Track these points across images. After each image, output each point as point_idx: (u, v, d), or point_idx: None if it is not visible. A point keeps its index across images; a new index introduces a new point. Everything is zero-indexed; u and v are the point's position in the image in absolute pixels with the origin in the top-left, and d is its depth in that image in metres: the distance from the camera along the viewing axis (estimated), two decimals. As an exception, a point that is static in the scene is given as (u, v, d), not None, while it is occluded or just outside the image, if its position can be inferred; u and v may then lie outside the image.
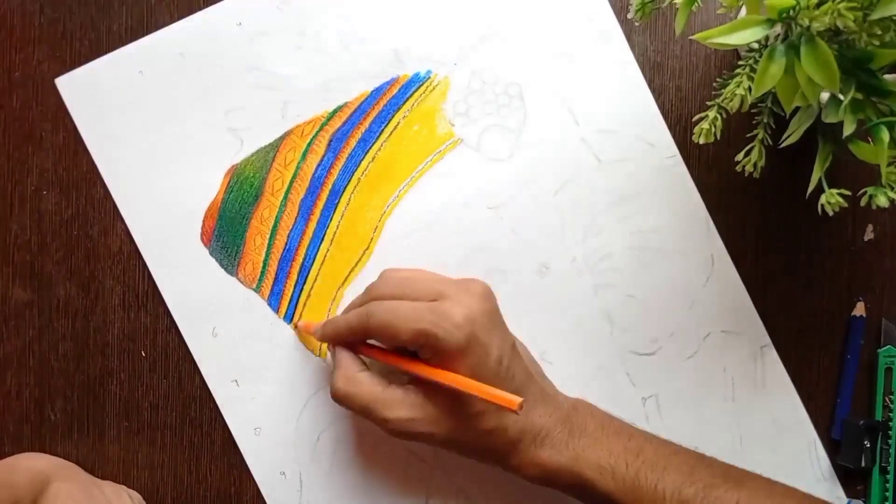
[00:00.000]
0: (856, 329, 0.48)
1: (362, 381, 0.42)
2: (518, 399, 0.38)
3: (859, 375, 0.48)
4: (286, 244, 0.49)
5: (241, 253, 0.49)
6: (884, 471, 0.48)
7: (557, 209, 0.48)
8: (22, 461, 0.47)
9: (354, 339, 0.44)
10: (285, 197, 0.49)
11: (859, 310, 0.49)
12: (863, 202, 0.36)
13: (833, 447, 0.48)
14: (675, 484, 0.40)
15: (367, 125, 0.49)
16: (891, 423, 0.48)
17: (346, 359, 0.43)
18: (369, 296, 0.43)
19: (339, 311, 0.49)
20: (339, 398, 0.42)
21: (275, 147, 0.49)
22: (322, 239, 0.49)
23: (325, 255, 0.49)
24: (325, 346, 0.48)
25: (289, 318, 0.49)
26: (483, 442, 0.41)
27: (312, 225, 0.49)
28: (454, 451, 0.43)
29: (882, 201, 0.35)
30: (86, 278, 0.49)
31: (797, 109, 0.40)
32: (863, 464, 0.47)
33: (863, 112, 0.35)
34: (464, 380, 0.40)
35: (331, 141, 0.49)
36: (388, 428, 0.41)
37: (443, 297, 0.41)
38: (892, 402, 0.48)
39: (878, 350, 0.48)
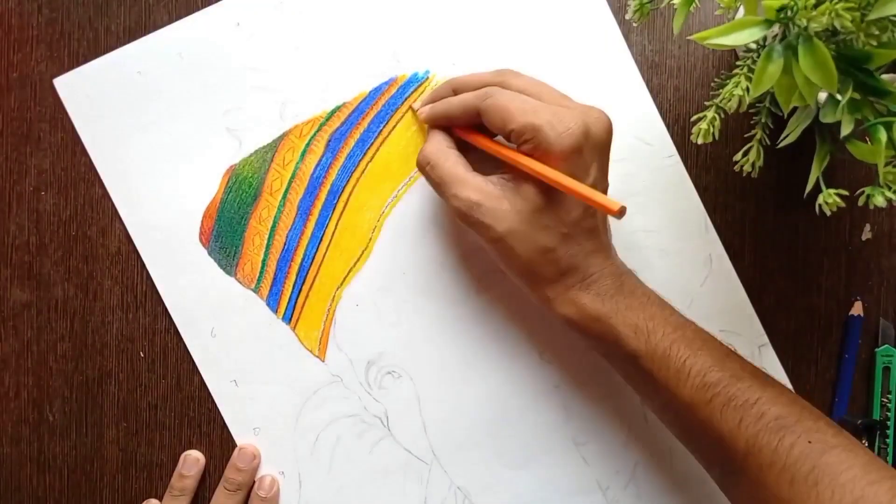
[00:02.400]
0: (853, 329, 0.48)
1: (450, 155, 0.43)
2: (620, 203, 0.38)
3: (857, 375, 0.49)
4: (285, 244, 0.49)
5: (239, 253, 0.49)
6: (882, 470, 0.48)
7: (556, 209, 0.49)
8: None
9: (461, 119, 0.44)
10: (284, 197, 0.49)
11: (857, 309, 0.49)
12: (860, 202, 0.36)
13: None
14: (704, 365, 0.40)
15: (365, 125, 0.49)
16: (889, 423, 0.48)
17: (441, 134, 0.44)
18: (498, 78, 0.43)
19: (339, 312, 0.49)
20: (423, 164, 0.43)
21: (273, 147, 0.49)
22: (321, 239, 0.49)
23: (324, 256, 0.49)
24: (324, 346, 0.48)
25: (287, 318, 0.49)
26: (534, 260, 0.41)
27: (311, 225, 0.49)
28: (501, 259, 0.43)
29: (880, 201, 0.35)
30: (84, 279, 0.49)
31: (795, 109, 0.40)
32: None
33: (860, 112, 0.35)
34: (569, 179, 0.39)
35: (329, 141, 0.49)
36: (454, 205, 0.42)
37: (565, 108, 0.41)
38: (889, 401, 0.48)
39: (876, 350, 0.48)
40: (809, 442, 0.37)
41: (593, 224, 0.42)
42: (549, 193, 0.41)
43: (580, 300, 0.41)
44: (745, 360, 0.41)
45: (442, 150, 0.43)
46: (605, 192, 0.42)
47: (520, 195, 0.41)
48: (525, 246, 0.41)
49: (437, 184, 0.43)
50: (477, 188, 0.42)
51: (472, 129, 0.45)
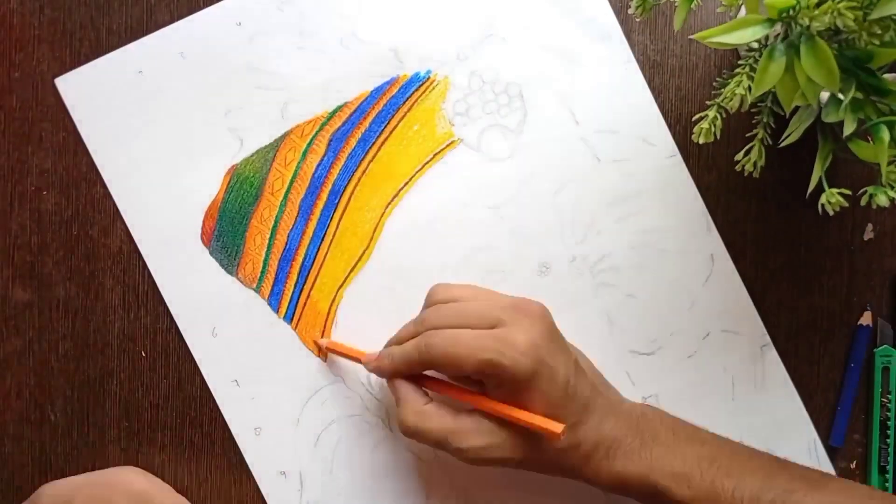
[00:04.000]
0: (861, 338, 0.48)
1: (432, 414, 0.41)
2: (560, 426, 0.39)
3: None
4: (286, 244, 0.49)
5: (241, 253, 0.49)
6: (883, 470, 0.48)
7: (557, 209, 0.48)
8: (120, 476, 0.47)
9: (412, 371, 0.43)
10: (285, 197, 0.49)
11: (866, 319, 0.48)
12: (863, 202, 0.36)
13: (832, 449, 0.49)
14: (754, 490, 0.39)
15: (366, 125, 0.49)
16: (889, 423, 0.48)
17: (410, 392, 0.43)
18: (424, 325, 0.42)
19: (341, 311, 0.49)
20: (410, 433, 0.42)
21: (275, 147, 0.49)
22: (322, 239, 0.49)
23: (325, 255, 0.49)
24: (325, 346, 0.48)
25: (289, 317, 0.49)
26: (558, 459, 0.41)
27: (312, 225, 0.49)
28: (534, 470, 0.43)
29: (882, 201, 0.35)
30: (86, 278, 0.49)
31: (797, 109, 0.40)
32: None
33: (863, 111, 0.35)
34: (510, 410, 0.40)
35: (331, 141, 0.49)
36: (464, 457, 0.41)
37: (501, 323, 0.40)
38: (889, 401, 0.48)
39: (875, 350, 0.48)
40: None
41: (588, 397, 0.41)
42: (546, 409, 0.40)
43: (614, 469, 0.41)
44: (789, 462, 0.42)
45: (420, 412, 0.42)
46: (575, 367, 0.41)
47: (516, 425, 0.40)
48: (546, 454, 0.41)
49: (436, 445, 0.41)
50: (475, 432, 0.41)
51: (426, 376, 0.44)
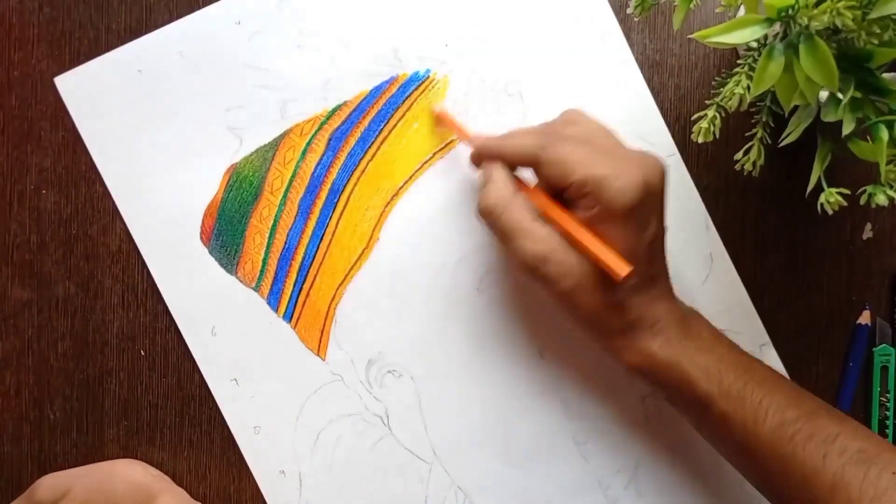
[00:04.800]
0: (860, 337, 0.48)
1: (516, 205, 0.40)
2: (627, 267, 0.38)
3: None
4: (285, 243, 0.49)
5: (240, 252, 0.49)
6: (882, 469, 0.48)
7: (557, 208, 0.49)
8: (119, 467, 0.47)
9: (514, 163, 0.42)
10: (285, 196, 0.49)
11: (865, 318, 0.48)
12: (862, 201, 0.36)
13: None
14: (781, 404, 0.39)
15: (366, 124, 0.49)
16: (887, 422, 0.48)
17: (504, 177, 0.42)
18: (550, 128, 0.42)
19: (340, 310, 0.49)
20: (485, 214, 0.41)
21: (274, 146, 0.49)
22: (321, 238, 0.49)
23: (325, 254, 0.49)
24: (324, 345, 0.48)
25: (288, 316, 0.49)
26: (601, 313, 0.40)
27: (312, 224, 0.49)
28: (566, 311, 0.42)
29: (881, 200, 0.35)
30: (85, 277, 0.49)
31: (796, 108, 0.40)
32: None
33: (862, 111, 0.35)
34: (586, 234, 0.39)
35: (330, 140, 0.49)
36: (520, 256, 0.40)
37: (623, 158, 0.40)
38: (888, 399, 0.48)
39: (874, 349, 0.48)
40: (894, 473, 0.37)
41: (657, 271, 0.42)
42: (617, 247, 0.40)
43: (649, 348, 0.41)
44: (817, 398, 0.41)
45: (505, 197, 0.41)
46: (663, 238, 0.42)
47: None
48: (591, 300, 0.40)
49: (502, 234, 0.41)
50: (543, 240, 0.40)
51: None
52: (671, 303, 0.42)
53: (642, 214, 0.39)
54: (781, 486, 0.40)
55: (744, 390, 0.40)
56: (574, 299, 0.40)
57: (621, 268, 0.38)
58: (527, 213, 0.40)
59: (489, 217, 0.41)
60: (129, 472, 0.46)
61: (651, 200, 0.40)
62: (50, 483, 0.46)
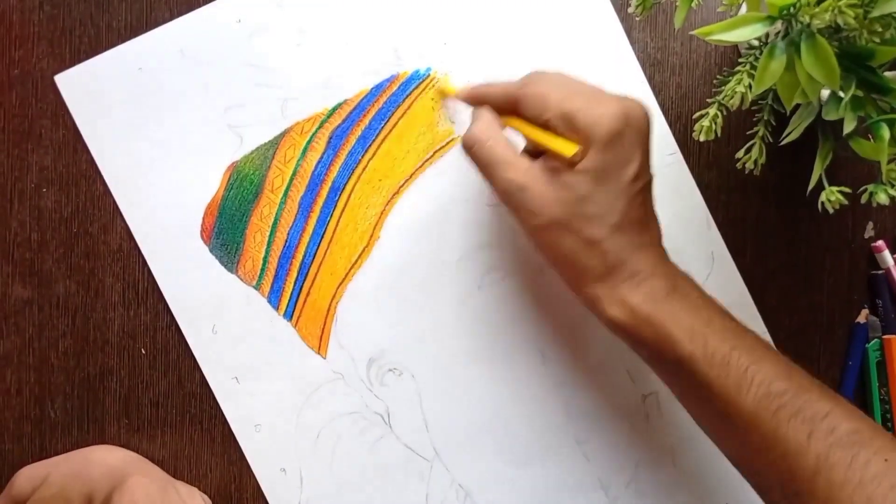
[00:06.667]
0: (859, 335, 0.48)
1: (499, 136, 0.41)
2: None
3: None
4: (286, 241, 0.49)
5: (240, 250, 0.49)
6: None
7: (557, 206, 0.48)
8: (97, 453, 0.47)
9: (498, 106, 0.42)
10: (285, 194, 0.49)
11: (864, 317, 0.48)
12: (863, 199, 0.36)
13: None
14: (768, 374, 0.37)
15: (366, 122, 0.49)
16: (889, 416, 0.48)
17: (489, 114, 0.42)
18: (533, 72, 0.42)
19: (341, 309, 0.49)
20: (469, 143, 0.41)
21: (274, 144, 0.49)
22: (322, 236, 0.49)
23: (325, 253, 0.49)
24: (325, 344, 0.48)
25: (289, 315, 0.49)
26: (579, 251, 0.39)
27: (312, 222, 0.49)
28: (544, 250, 0.41)
29: (882, 198, 0.35)
30: (85, 275, 0.49)
31: (798, 107, 0.40)
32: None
33: (863, 109, 0.35)
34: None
35: (330, 138, 0.49)
36: (500, 185, 0.40)
37: (602, 93, 0.39)
38: (886, 394, 0.48)
39: (867, 345, 0.48)
40: (886, 460, 0.34)
41: (642, 215, 0.40)
42: (598, 182, 0.38)
43: (630, 300, 0.39)
44: (810, 376, 0.38)
45: (490, 129, 0.41)
46: (649, 184, 0.40)
47: (567, 182, 0.39)
48: (570, 237, 0.39)
49: (484, 164, 0.41)
50: (525, 172, 0.40)
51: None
52: (659, 258, 0.40)
53: (623, 147, 0.38)
54: (760, 463, 0.37)
55: (729, 356, 0.37)
56: (551, 234, 0.39)
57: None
58: (509, 147, 0.41)
59: (472, 148, 0.41)
60: (105, 456, 0.47)
61: (631, 133, 0.38)
62: (27, 474, 0.46)
